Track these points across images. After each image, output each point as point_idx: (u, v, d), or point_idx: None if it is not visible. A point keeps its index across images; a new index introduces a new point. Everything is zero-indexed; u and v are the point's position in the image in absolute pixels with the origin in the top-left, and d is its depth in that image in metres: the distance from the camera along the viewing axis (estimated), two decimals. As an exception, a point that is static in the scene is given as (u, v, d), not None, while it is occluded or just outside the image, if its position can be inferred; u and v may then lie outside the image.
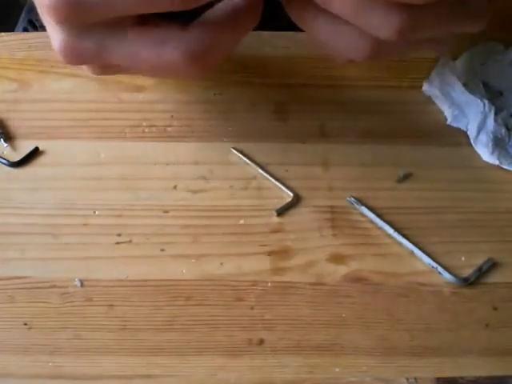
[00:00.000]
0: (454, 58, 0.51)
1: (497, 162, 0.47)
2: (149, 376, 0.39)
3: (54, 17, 0.37)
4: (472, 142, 0.48)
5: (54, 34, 0.39)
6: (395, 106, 0.50)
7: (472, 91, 0.49)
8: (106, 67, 0.42)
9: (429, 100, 0.50)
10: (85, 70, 0.42)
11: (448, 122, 0.49)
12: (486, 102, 0.48)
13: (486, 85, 0.50)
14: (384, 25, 0.36)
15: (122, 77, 0.51)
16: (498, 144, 0.47)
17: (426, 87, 0.50)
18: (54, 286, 0.42)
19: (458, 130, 0.49)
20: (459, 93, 0.49)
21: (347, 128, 0.49)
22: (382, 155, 0.48)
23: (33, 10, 0.68)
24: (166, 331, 0.40)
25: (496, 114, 0.48)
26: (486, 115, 0.48)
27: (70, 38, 0.39)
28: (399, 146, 0.48)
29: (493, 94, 0.50)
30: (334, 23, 0.38)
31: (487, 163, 0.47)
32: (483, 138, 0.47)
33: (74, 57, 0.40)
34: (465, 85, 0.49)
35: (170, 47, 0.38)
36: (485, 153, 0.47)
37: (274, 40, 0.53)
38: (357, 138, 0.48)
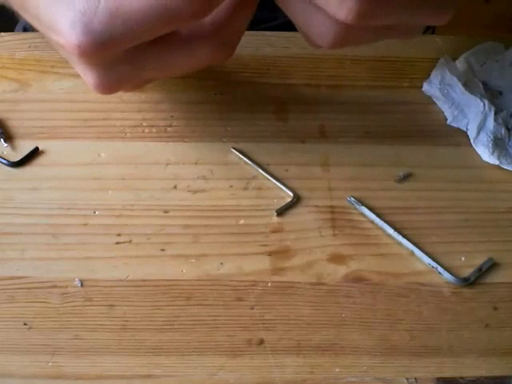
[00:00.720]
0: (454, 58, 0.51)
1: (497, 162, 0.47)
2: (149, 376, 0.39)
3: (84, 59, 0.37)
4: (472, 141, 0.48)
5: (87, 72, 0.39)
6: (395, 106, 0.50)
7: (472, 91, 0.49)
8: (140, 84, 0.42)
9: (429, 100, 0.50)
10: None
11: (448, 122, 0.49)
12: (486, 101, 0.48)
13: (485, 85, 0.50)
14: (341, 6, 0.36)
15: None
16: (498, 144, 0.47)
17: (425, 87, 0.50)
18: (54, 286, 0.42)
19: (458, 129, 0.49)
20: (459, 93, 0.49)
21: (347, 128, 0.49)
22: (382, 155, 0.48)
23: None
24: (166, 331, 0.40)
25: (496, 113, 0.48)
26: (485, 115, 0.48)
27: (104, 72, 0.39)
28: (399, 146, 0.48)
29: (493, 94, 0.50)
30: (304, 8, 0.38)
31: (487, 163, 0.47)
32: (483, 137, 0.47)
33: (113, 87, 0.40)
34: (465, 85, 0.49)
35: (199, 45, 0.39)
36: (485, 153, 0.47)
37: (274, 40, 0.53)
38: (357, 138, 0.48)
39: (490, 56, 0.51)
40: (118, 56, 0.38)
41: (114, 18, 0.36)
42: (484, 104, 0.48)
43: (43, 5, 0.38)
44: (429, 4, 0.39)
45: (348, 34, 0.39)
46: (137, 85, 0.44)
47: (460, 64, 0.50)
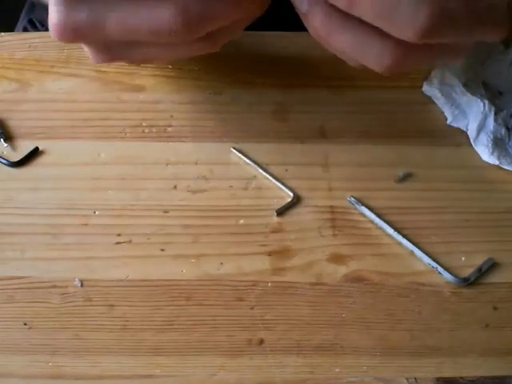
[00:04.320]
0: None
1: (497, 162, 0.47)
2: (149, 376, 0.39)
3: None
4: (472, 142, 0.48)
5: (52, 7, 0.39)
6: (395, 105, 0.50)
7: (472, 91, 0.49)
8: (105, 49, 0.41)
9: (429, 100, 0.50)
10: (89, 57, 0.42)
11: (448, 122, 0.49)
12: (486, 102, 0.48)
13: (485, 85, 0.50)
14: (409, 23, 0.36)
15: (122, 77, 0.51)
16: (497, 144, 0.47)
17: (425, 87, 0.50)
18: (54, 286, 0.42)
19: (458, 129, 0.49)
20: (459, 93, 0.49)
21: (347, 128, 0.49)
22: (381, 155, 0.48)
23: (33, 9, 0.68)
24: (166, 331, 0.40)
25: (496, 114, 0.48)
26: (486, 115, 0.48)
27: (65, 10, 0.38)
28: (399, 146, 0.48)
29: (493, 94, 0.50)
30: (358, 34, 0.38)
31: (487, 163, 0.47)
32: (483, 138, 0.47)
33: (68, 30, 0.39)
34: (465, 85, 0.49)
35: (164, 7, 0.38)
36: (485, 153, 0.47)
37: (274, 40, 0.53)
38: (357, 138, 0.48)
39: (490, 56, 0.51)
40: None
41: None
42: (484, 104, 0.48)
43: None
44: (488, 19, 0.38)
45: (407, 56, 0.38)
46: (103, 52, 0.42)
47: (460, 64, 0.50)
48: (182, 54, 0.42)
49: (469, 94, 0.48)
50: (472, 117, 0.48)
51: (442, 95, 0.49)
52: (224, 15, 0.39)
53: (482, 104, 0.48)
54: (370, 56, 0.39)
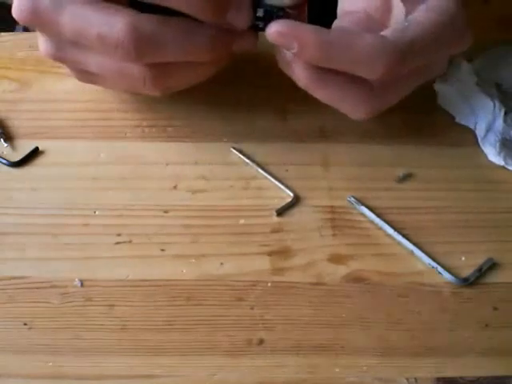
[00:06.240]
0: (469, 60, 0.50)
1: (502, 163, 0.47)
2: (149, 376, 0.39)
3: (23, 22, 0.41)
4: (479, 141, 0.48)
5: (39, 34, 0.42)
6: (395, 105, 0.50)
7: (484, 91, 0.49)
8: (55, 42, 0.43)
9: (429, 100, 0.50)
10: (39, 45, 0.44)
11: (456, 120, 0.49)
12: (497, 102, 0.48)
13: (498, 86, 0.50)
14: (372, 66, 0.40)
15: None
16: (505, 145, 0.47)
17: (438, 85, 0.50)
18: (54, 286, 0.42)
19: (459, 129, 0.49)
20: (471, 91, 0.49)
21: (347, 128, 0.49)
22: (382, 155, 0.48)
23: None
24: (166, 331, 0.40)
25: (506, 114, 0.48)
26: (495, 115, 0.48)
27: (47, 39, 0.42)
28: (399, 146, 0.48)
29: (505, 95, 0.50)
30: (335, 87, 0.42)
31: (487, 163, 0.47)
32: (491, 137, 0.47)
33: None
34: (477, 84, 0.49)
35: (118, 17, 0.39)
36: (491, 153, 0.47)
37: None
38: (357, 137, 0.49)
39: (504, 58, 0.51)
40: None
41: None
42: (494, 104, 0.48)
43: None
44: (451, 34, 0.42)
45: (382, 99, 0.43)
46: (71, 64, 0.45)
47: (474, 65, 0.50)
48: (130, 80, 0.43)
49: (480, 94, 0.48)
50: (481, 116, 0.48)
51: (454, 93, 0.49)
52: (175, 46, 0.40)
53: (492, 104, 0.48)
54: (347, 108, 0.43)
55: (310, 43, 0.39)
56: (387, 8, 0.45)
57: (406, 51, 0.40)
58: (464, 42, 0.43)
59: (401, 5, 0.43)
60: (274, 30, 0.39)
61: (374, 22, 0.45)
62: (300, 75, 0.41)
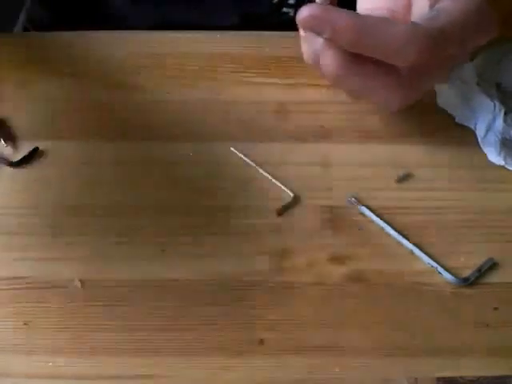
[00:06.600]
0: (471, 59, 0.50)
1: (502, 163, 0.47)
2: (149, 376, 0.39)
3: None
4: (479, 141, 0.48)
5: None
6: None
7: (484, 91, 0.49)
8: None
9: (429, 100, 0.50)
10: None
11: (456, 120, 0.49)
12: (497, 102, 0.48)
13: (498, 85, 0.50)
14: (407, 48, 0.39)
15: (122, 77, 0.51)
16: (505, 144, 0.47)
17: (437, 85, 0.50)
18: (54, 286, 0.42)
19: (459, 129, 0.49)
20: (471, 91, 0.49)
21: (347, 128, 0.49)
22: (381, 155, 0.48)
23: (33, 8, 0.68)
24: (166, 331, 0.40)
25: (506, 114, 0.48)
26: (495, 115, 0.48)
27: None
28: (399, 146, 0.48)
29: (505, 95, 0.49)
30: (366, 79, 0.42)
31: (487, 163, 0.47)
32: (491, 137, 0.47)
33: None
34: (478, 84, 0.49)
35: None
36: (491, 152, 0.47)
37: (274, 40, 0.53)
38: (357, 137, 0.48)
39: (506, 57, 0.51)
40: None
41: None
42: (494, 104, 0.48)
43: None
44: (478, 23, 0.42)
45: (413, 85, 0.43)
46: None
47: (475, 64, 0.50)
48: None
49: (480, 94, 0.48)
50: (481, 116, 0.48)
51: (454, 93, 0.49)
52: None
53: (492, 104, 0.48)
54: (379, 98, 0.43)
55: (343, 26, 0.38)
56: (407, 4, 0.45)
57: (437, 37, 0.40)
58: (490, 30, 0.43)
59: (420, 0, 0.44)
60: (307, 13, 0.39)
61: (397, 18, 0.45)
62: (330, 64, 0.41)
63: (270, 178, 0.46)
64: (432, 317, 0.41)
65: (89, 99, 0.50)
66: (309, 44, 0.42)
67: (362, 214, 0.45)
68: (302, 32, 0.45)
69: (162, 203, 0.45)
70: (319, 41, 0.41)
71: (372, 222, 0.44)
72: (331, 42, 0.40)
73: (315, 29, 0.39)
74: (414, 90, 0.44)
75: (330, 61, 0.41)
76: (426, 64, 0.41)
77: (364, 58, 0.40)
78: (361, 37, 0.39)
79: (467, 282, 0.42)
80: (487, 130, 0.48)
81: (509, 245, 0.44)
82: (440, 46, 0.40)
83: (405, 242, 0.43)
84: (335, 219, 0.45)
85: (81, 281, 0.42)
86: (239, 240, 0.44)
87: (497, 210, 0.46)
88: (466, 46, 0.43)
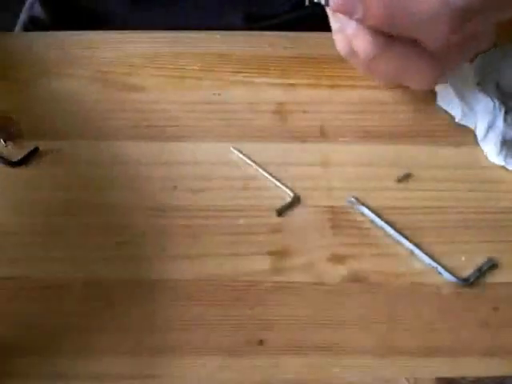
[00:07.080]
0: (470, 60, 0.50)
1: (503, 163, 0.47)
2: (149, 376, 0.39)
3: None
4: (480, 140, 0.48)
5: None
6: (395, 105, 0.50)
7: (484, 90, 0.49)
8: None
9: (429, 100, 0.50)
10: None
11: (457, 120, 0.49)
12: (497, 101, 0.48)
13: (498, 86, 0.50)
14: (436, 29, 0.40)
15: (122, 77, 0.51)
16: (505, 144, 0.47)
17: (439, 85, 0.50)
18: (54, 286, 0.42)
19: (459, 129, 0.49)
20: (471, 91, 0.49)
21: (347, 128, 0.49)
22: (382, 155, 0.48)
23: (33, 8, 0.68)
24: (166, 331, 0.40)
25: (506, 114, 0.48)
26: (495, 115, 0.48)
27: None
28: (399, 146, 0.48)
29: (505, 95, 0.49)
30: (398, 59, 0.43)
31: (487, 163, 0.47)
32: (491, 137, 0.47)
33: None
34: (478, 84, 0.49)
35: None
36: (492, 152, 0.47)
37: (274, 40, 0.53)
38: (357, 137, 0.48)
39: (505, 58, 0.51)
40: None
41: None
42: (494, 103, 0.48)
43: None
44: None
45: (443, 62, 0.44)
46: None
47: (474, 63, 0.50)
48: None
49: (480, 93, 0.48)
50: (481, 116, 0.48)
51: (454, 93, 0.49)
52: None
53: (492, 103, 0.48)
54: (412, 77, 0.44)
55: (375, 5, 0.39)
56: None
57: (467, 10, 0.40)
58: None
59: None
60: None
61: None
62: (363, 45, 0.42)
63: (270, 178, 0.46)
64: (432, 317, 0.41)
65: (89, 99, 0.50)
66: (342, 33, 0.42)
67: (362, 213, 0.45)
68: (333, 23, 0.45)
69: (161, 203, 0.45)
70: (352, 26, 0.41)
71: (372, 222, 0.44)
72: (363, 23, 0.40)
73: (348, 9, 0.40)
74: (444, 68, 0.44)
75: (363, 42, 0.42)
76: (455, 40, 0.41)
77: (396, 38, 0.41)
78: (393, 14, 0.39)
79: (467, 282, 0.42)
80: (487, 130, 0.48)
81: (509, 245, 0.44)
82: (469, 19, 0.41)
83: (405, 241, 0.43)
84: (335, 219, 0.45)
85: (81, 281, 0.42)
86: (239, 240, 0.44)
87: (497, 210, 0.46)
88: (491, 22, 0.44)
